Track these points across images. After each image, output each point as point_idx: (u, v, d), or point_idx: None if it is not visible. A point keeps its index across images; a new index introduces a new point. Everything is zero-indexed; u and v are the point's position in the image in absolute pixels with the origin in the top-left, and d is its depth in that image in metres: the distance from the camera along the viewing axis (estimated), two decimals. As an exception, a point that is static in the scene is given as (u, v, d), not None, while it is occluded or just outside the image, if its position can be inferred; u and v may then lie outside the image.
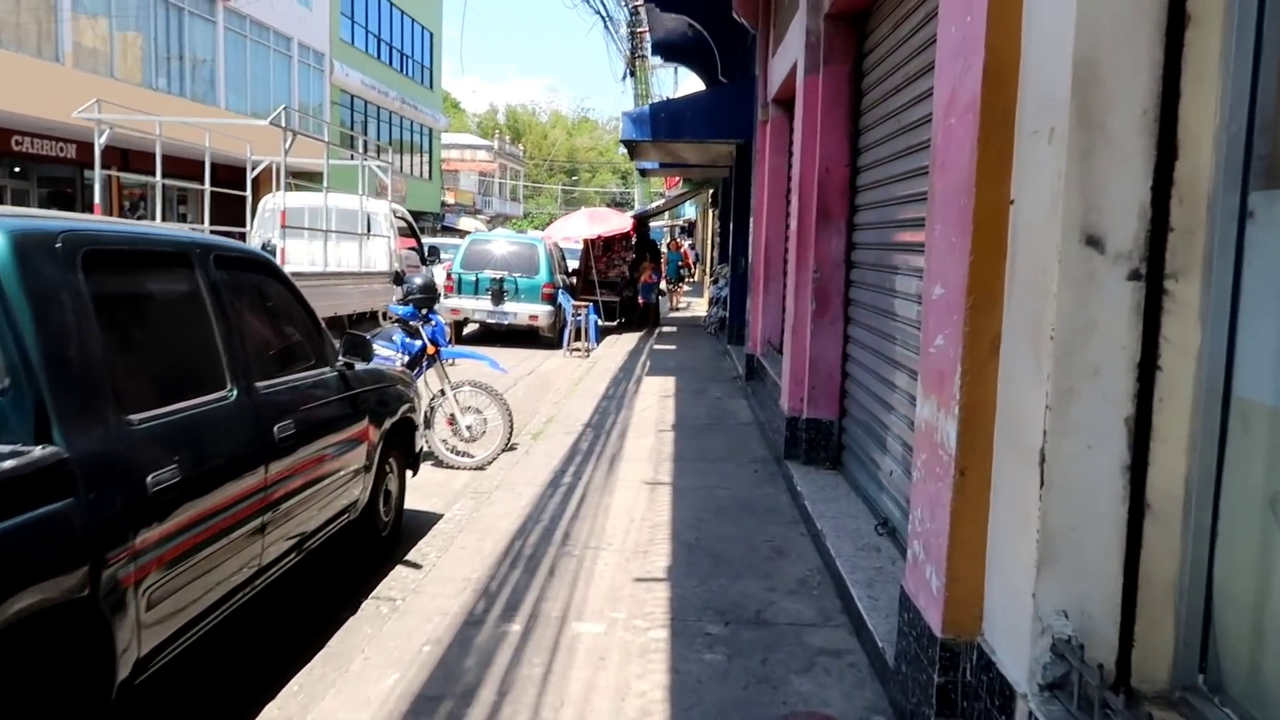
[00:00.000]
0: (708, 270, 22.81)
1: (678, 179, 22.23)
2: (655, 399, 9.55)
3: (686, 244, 38.43)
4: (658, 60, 17.97)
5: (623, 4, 17.06)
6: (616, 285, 17.57)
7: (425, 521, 5.45)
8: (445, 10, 47.34)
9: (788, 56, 7.49)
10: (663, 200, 22.77)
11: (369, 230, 11.60)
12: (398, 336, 6.97)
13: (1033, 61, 2.38)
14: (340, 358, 4.31)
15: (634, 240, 17.96)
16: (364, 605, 4.08)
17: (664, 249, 28.21)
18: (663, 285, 19.84)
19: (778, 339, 9.24)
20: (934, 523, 2.75)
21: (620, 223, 17.16)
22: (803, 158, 6.32)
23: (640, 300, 17.77)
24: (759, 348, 9.75)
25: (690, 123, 11.09)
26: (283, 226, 8.86)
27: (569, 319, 14.21)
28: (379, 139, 40.84)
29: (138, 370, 2.85)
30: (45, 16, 20.54)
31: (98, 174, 8.88)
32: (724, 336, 14.71)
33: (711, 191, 20.97)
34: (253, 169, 10.75)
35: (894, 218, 4.83)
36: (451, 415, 6.99)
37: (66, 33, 20.75)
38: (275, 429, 3.48)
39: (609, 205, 57.06)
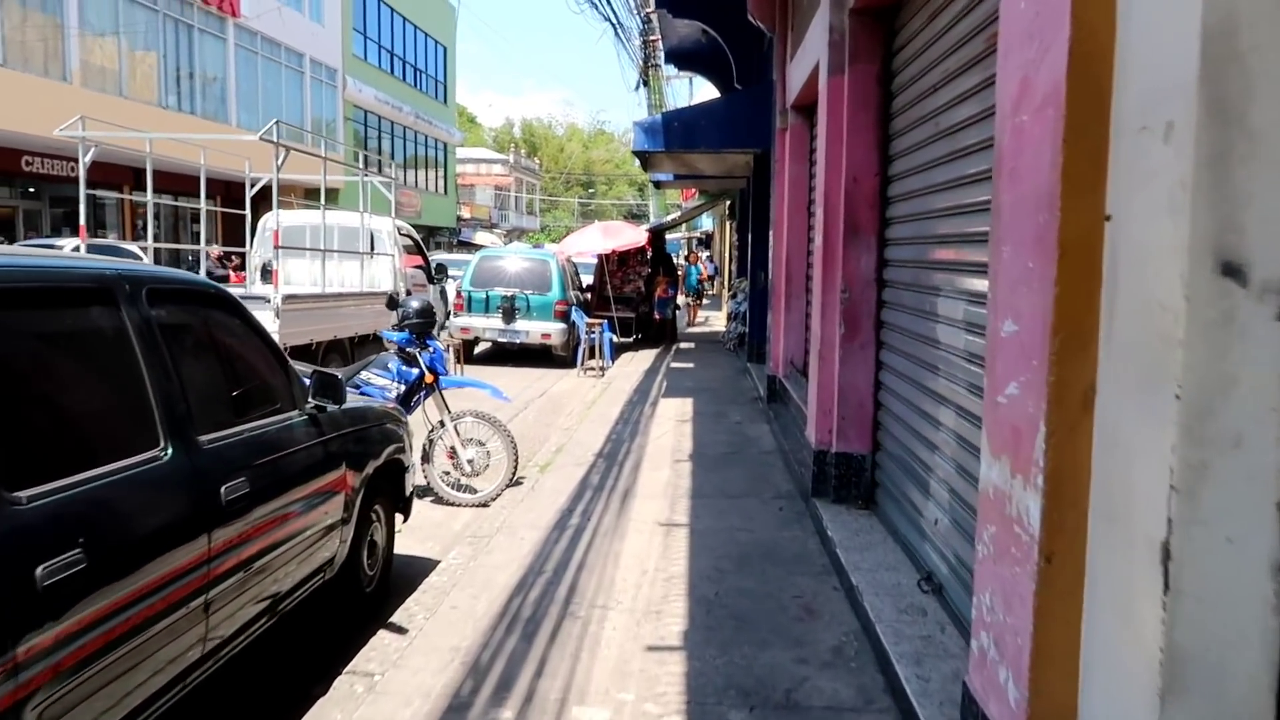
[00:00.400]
0: (726, 284, 22.18)
1: (694, 190, 21.64)
2: (672, 424, 9.03)
3: (704, 256, 37.96)
4: (672, 69, 17.52)
5: (635, 11, 16.63)
6: (632, 301, 17.04)
7: (418, 570, 4.96)
8: (460, 26, 47.18)
9: (808, 58, 6.99)
10: (678, 213, 22.10)
11: (372, 248, 11.15)
12: (393, 364, 6.48)
13: (1138, 35, 1.86)
14: (310, 400, 3.82)
15: (649, 254, 17.44)
16: (337, 682, 3.58)
17: (680, 261, 27.66)
18: (680, 300, 19.22)
19: (801, 360, 8.71)
20: (1010, 617, 2.22)
21: (635, 236, 16.64)
22: (827, 167, 5.81)
23: (656, 316, 17.23)
24: (781, 369, 9.21)
25: (705, 132, 10.57)
26: (276, 247, 8.42)
27: (583, 337, 13.71)
28: (393, 154, 40.66)
29: (33, 435, 2.37)
30: (51, 35, 20.38)
31: (82, 193, 8.47)
32: (744, 353, 14.18)
33: (729, 203, 20.44)
34: (251, 186, 10.34)
35: (933, 232, 4.30)
36: (452, 448, 6.50)
37: (74, 51, 20.58)
38: (223, 489, 2.99)
39: (625, 218, 56.72)
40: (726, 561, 4.89)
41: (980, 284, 3.46)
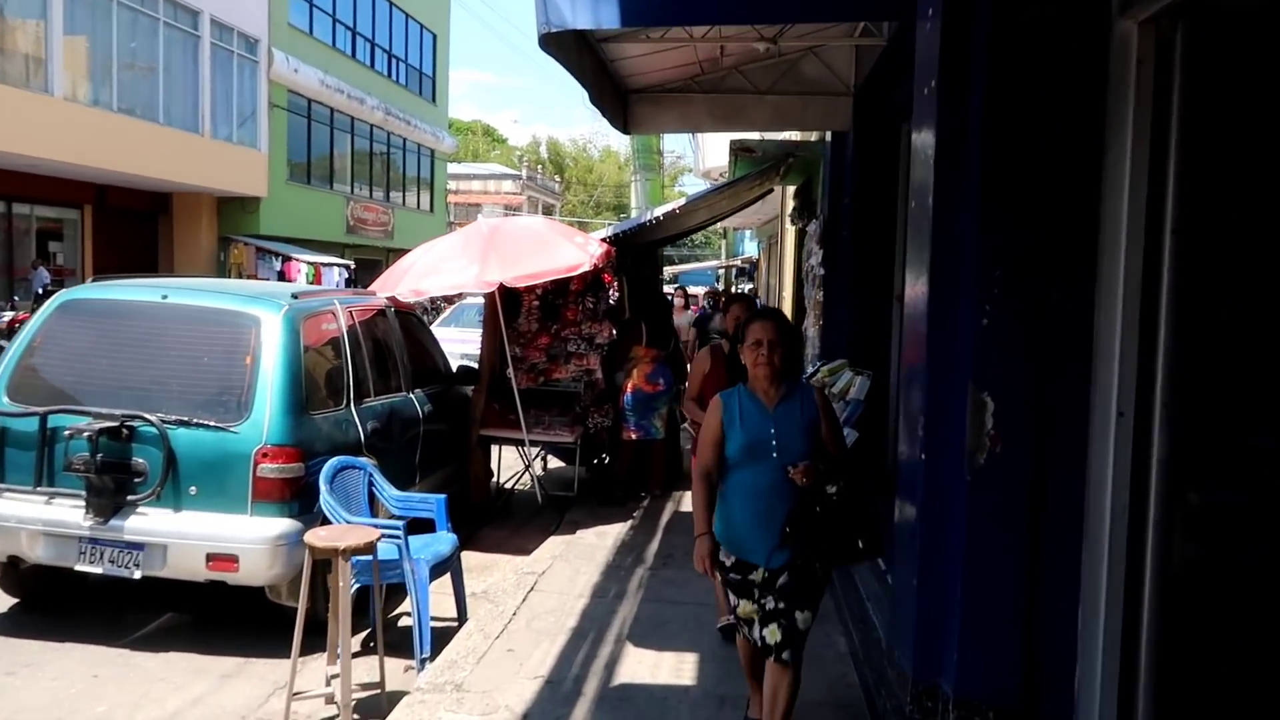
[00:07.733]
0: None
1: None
2: None
3: (747, 289, 26.55)
4: None
5: None
6: (573, 399, 7.40)
7: None
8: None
9: None
10: (680, 200, 9.99)
11: None
12: None
13: None
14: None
15: (614, 294, 7.56)
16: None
17: (695, 304, 17.54)
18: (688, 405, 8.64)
19: None
20: None
21: (566, 256, 6.67)
22: None
23: (630, 434, 7.44)
24: None
25: None
26: None
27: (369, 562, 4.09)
28: (351, 158, 31.67)
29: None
30: None
31: None
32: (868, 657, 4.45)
33: (795, 189, 10.09)
34: None
35: None
36: None
37: None
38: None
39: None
40: None
41: None
